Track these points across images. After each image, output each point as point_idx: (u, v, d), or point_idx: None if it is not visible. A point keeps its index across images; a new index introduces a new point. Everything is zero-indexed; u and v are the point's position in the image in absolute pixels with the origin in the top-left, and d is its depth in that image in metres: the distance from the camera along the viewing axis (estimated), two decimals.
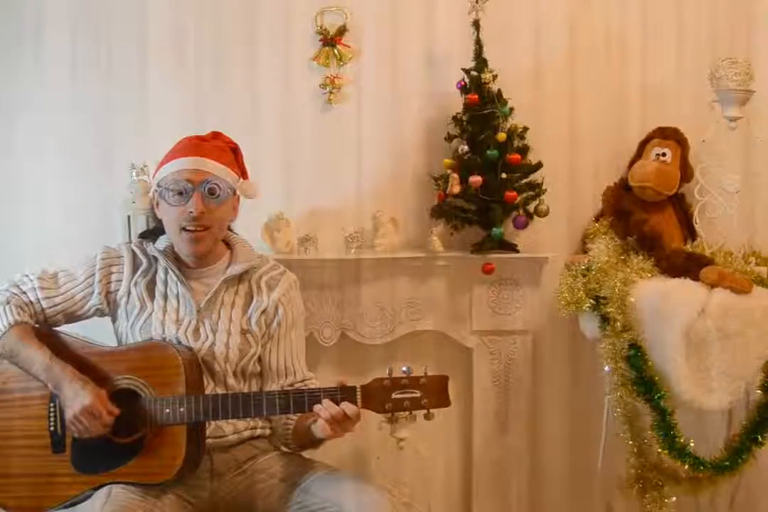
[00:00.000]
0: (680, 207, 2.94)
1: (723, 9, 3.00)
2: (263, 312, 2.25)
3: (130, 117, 2.82)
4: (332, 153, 2.88)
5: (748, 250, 2.85)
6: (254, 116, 2.83)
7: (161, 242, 2.27)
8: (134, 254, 2.27)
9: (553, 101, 2.95)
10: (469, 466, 2.94)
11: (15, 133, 2.83)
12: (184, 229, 2.17)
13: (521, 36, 2.92)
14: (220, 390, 2.17)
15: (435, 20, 2.89)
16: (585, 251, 2.86)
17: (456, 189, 2.76)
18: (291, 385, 2.25)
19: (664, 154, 2.86)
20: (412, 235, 2.90)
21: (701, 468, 2.62)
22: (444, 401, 2.01)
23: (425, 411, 2.00)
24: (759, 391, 2.67)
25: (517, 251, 2.83)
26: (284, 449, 2.28)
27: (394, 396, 1.98)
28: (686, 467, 2.61)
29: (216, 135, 2.27)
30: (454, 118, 2.83)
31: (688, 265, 2.67)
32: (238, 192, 2.24)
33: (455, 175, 2.76)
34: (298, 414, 2.16)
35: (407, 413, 2.00)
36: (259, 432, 2.25)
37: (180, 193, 2.16)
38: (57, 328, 2.26)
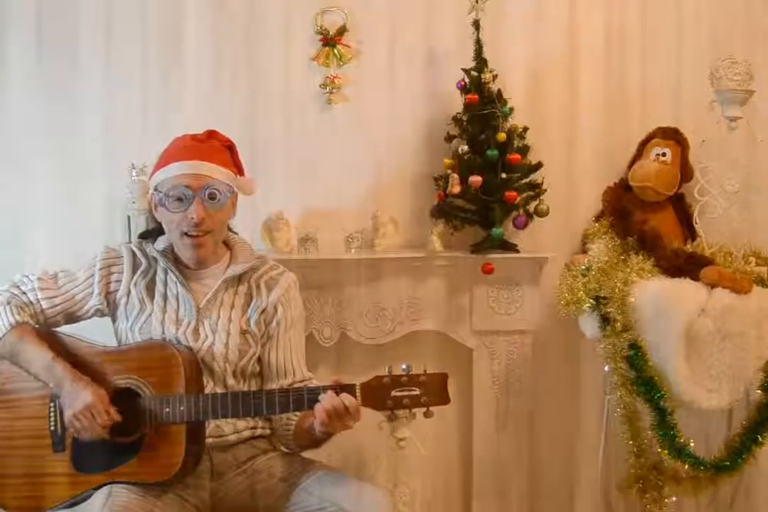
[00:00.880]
0: (680, 207, 2.94)
1: (723, 9, 3.00)
2: (262, 312, 2.25)
3: (130, 117, 2.82)
4: (332, 153, 2.88)
5: (748, 250, 2.85)
6: (254, 116, 2.83)
7: (160, 243, 2.27)
8: (134, 254, 2.27)
9: (553, 101, 2.95)
10: (469, 466, 2.94)
11: (15, 133, 2.83)
12: (185, 234, 2.17)
13: (521, 36, 2.93)
14: (219, 391, 2.17)
15: (435, 20, 2.89)
16: (585, 251, 2.85)
17: (456, 189, 2.76)
18: (290, 385, 2.24)
19: (664, 154, 2.86)
20: (412, 235, 2.90)
21: (701, 468, 2.62)
22: (444, 398, 2.01)
23: (425, 409, 2.00)
24: (759, 391, 2.67)
25: (517, 251, 2.83)
26: (284, 449, 2.28)
27: (393, 393, 1.98)
28: (686, 467, 2.62)
29: (210, 134, 2.25)
30: (454, 118, 2.83)
31: (688, 265, 2.67)
32: (235, 190, 2.24)
33: (455, 175, 2.76)
34: (298, 414, 2.16)
35: (407, 410, 2.00)
36: (259, 432, 2.25)
37: (180, 199, 2.15)
38: (57, 329, 2.25)
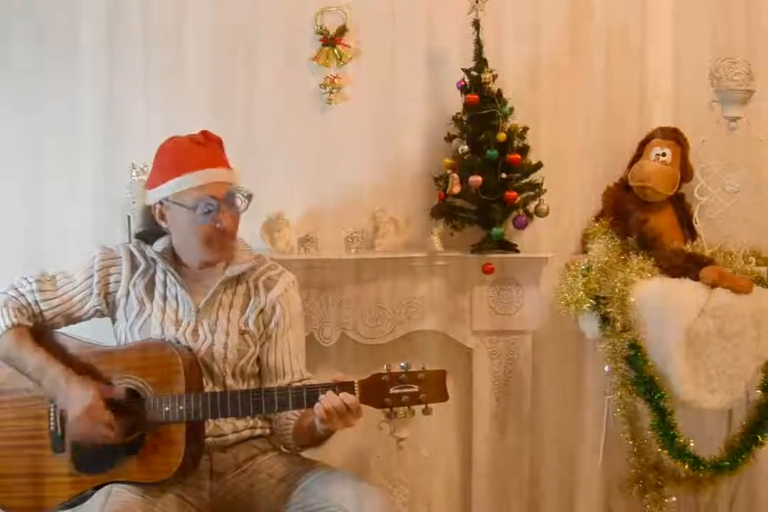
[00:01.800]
0: (680, 207, 2.94)
1: (723, 9, 3.00)
2: (261, 312, 2.25)
3: (130, 117, 2.82)
4: (332, 153, 2.88)
5: (748, 250, 2.85)
6: (254, 116, 2.83)
7: (159, 244, 2.26)
8: (132, 255, 2.27)
9: (553, 101, 2.95)
10: (469, 466, 2.94)
11: (15, 133, 2.83)
12: (212, 241, 2.16)
13: (521, 36, 2.93)
14: (218, 391, 2.17)
15: (435, 20, 2.89)
16: (585, 251, 2.85)
17: (456, 189, 2.76)
18: (289, 385, 2.24)
19: (664, 154, 2.86)
20: (412, 235, 2.90)
21: (701, 468, 2.62)
22: (442, 395, 2.01)
23: (424, 406, 2.00)
24: (759, 391, 2.67)
25: (517, 251, 2.83)
26: (284, 449, 2.28)
27: (392, 391, 1.98)
28: (686, 467, 2.62)
29: (206, 135, 2.21)
30: (454, 118, 2.83)
31: (688, 265, 2.67)
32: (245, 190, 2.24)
33: (455, 175, 2.76)
34: (297, 414, 2.16)
35: (406, 408, 2.00)
36: (258, 431, 2.25)
37: (209, 211, 2.15)
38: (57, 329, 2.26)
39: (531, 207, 2.83)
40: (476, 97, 2.76)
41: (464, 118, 2.81)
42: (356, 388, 2.00)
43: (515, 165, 2.78)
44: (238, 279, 2.26)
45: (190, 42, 2.84)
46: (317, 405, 1.99)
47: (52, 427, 2.14)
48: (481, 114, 2.77)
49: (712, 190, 2.81)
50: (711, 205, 2.82)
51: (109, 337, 2.27)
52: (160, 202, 2.19)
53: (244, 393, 2.08)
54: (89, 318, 2.28)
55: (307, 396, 2.02)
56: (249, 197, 2.21)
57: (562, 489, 3.00)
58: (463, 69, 2.81)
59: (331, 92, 2.88)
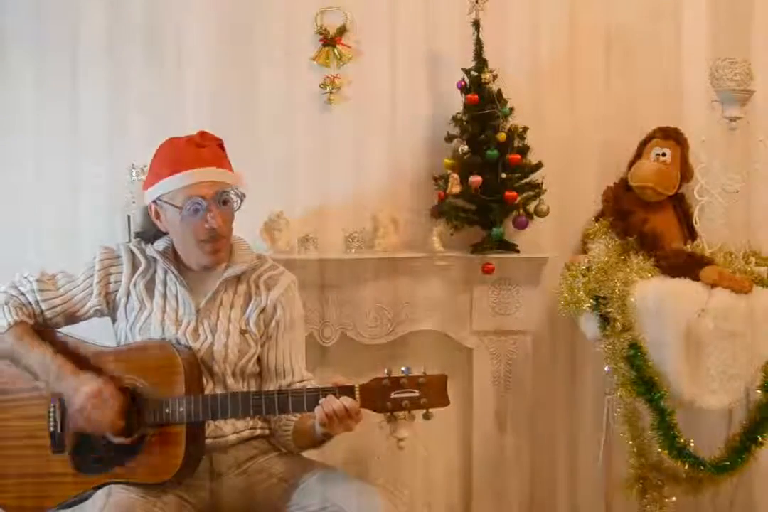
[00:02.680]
0: (680, 207, 2.94)
1: (723, 9, 3.00)
2: (262, 312, 2.24)
3: (130, 117, 2.82)
4: (332, 153, 2.88)
5: (748, 250, 2.85)
6: (254, 116, 2.83)
7: (160, 243, 2.26)
8: (133, 254, 2.27)
9: (553, 101, 2.95)
10: (469, 466, 2.94)
11: (15, 133, 2.83)
12: (203, 242, 2.16)
13: (521, 36, 2.92)
14: (219, 391, 2.17)
15: (435, 20, 2.89)
16: (585, 251, 2.86)
17: (456, 189, 2.76)
18: (289, 386, 2.24)
19: (664, 154, 2.86)
20: (412, 235, 2.90)
21: (701, 468, 2.62)
22: (443, 400, 2.01)
23: (424, 411, 2.00)
24: (759, 391, 2.67)
25: (517, 251, 2.83)
26: (284, 450, 2.28)
27: (393, 395, 1.98)
28: (686, 467, 2.61)
29: (204, 135, 2.21)
30: (454, 118, 2.83)
31: (688, 265, 2.67)
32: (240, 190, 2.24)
33: (455, 175, 2.76)
34: (298, 415, 2.16)
35: (406, 412, 2.00)
36: (258, 432, 2.25)
37: (196, 210, 2.15)
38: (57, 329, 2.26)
39: (531, 207, 2.83)
40: (476, 97, 2.76)
41: (464, 118, 2.81)
42: (357, 392, 2.00)
43: (515, 165, 2.78)
44: (239, 279, 2.26)
45: (190, 42, 2.83)
46: (317, 408, 1.99)
47: (52, 427, 2.14)
48: (481, 114, 2.77)
49: (712, 190, 2.81)
50: (711, 205, 2.82)
51: (109, 337, 2.27)
52: (155, 202, 2.20)
53: (244, 396, 2.08)
54: (89, 317, 2.28)
55: (308, 399, 2.02)
56: (241, 197, 2.20)
57: (562, 489, 3.00)
58: (463, 69, 2.81)
59: (331, 92, 2.88)
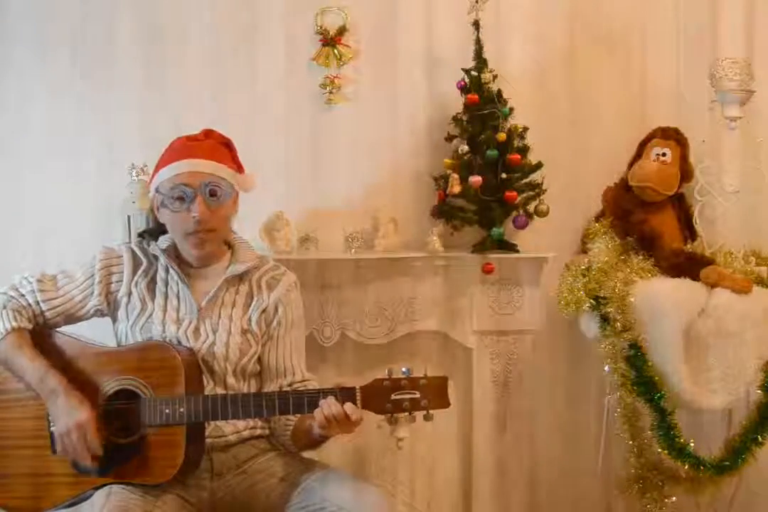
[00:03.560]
0: (680, 207, 2.94)
1: (723, 9, 3.00)
2: (263, 311, 2.24)
3: (130, 117, 2.82)
4: (332, 153, 2.88)
5: (748, 250, 2.85)
6: (254, 116, 2.83)
7: (163, 241, 2.26)
8: (134, 254, 2.27)
9: (553, 101, 2.95)
10: (469, 466, 2.94)
11: (15, 133, 2.83)
12: (189, 233, 2.17)
13: (521, 36, 2.93)
14: (219, 390, 2.17)
15: (435, 20, 2.89)
16: (585, 251, 2.86)
17: (456, 189, 2.76)
18: (290, 385, 2.24)
19: (664, 154, 2.86)
20: (412, 235, 2.90)
21: (701, 468, 2.62)
22: (444, 402, 2.00)
23: (425, 412, 1.99)
24: (759, 391, 2.67)
25: (517, 251, 2.83)
26: (284, 450, 2.28)
27: (393, 397, 1.98)
28: (686, 467, 2.62)
29: (208, 133, 2.25)
30: (454, 118, 2.84)
31: (688, 265, 2.67)
32: (236, 187, 2.23)
33: (455, 175, 2.76)
34: (298, 415, 2.16)
35: (407, 414, 2.00)
36: (258, 432, 2.25)
37: (181, 199, 2.15)
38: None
39: (531, 207, 2.83)
40: (476, 97, 2.76)
41: (464, 118, 2.81)
42: (358, 394, 2.00)
43: (515, 165, 2.78)
44: (240, 279, 2.26)
45: (190, 42, 2.83)
46: (316, 411, 1.99)
47: (52, 428, 2.13)
48: (481, 114, 2.77)
49: (712, 190, 2.81)
50: (711, 205, 2.82)
51: (110, 337, 2.27)
52: (155, 195, 2.21)
53: (244, 397, 2.08)
54: (90, 317, 2.27)
55: (308, 401, 2.01)
56: (230, 188, 2.19)
57: (562, 489, 3.00)
58: (463, 69, 2.81)
59: (331, 92, 2.88)
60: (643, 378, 2.60)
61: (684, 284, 2.63)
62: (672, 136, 2.89)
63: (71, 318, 2.25)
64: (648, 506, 2.69)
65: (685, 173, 2.89)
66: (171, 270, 2.23)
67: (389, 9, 2.89)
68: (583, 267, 2.70)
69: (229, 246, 2.31)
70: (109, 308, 2.25)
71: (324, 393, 2.01)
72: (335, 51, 2.89)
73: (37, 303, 2.21)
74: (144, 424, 2.07)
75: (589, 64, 2.97)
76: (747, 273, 2.71)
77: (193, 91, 2.83)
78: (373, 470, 2.90)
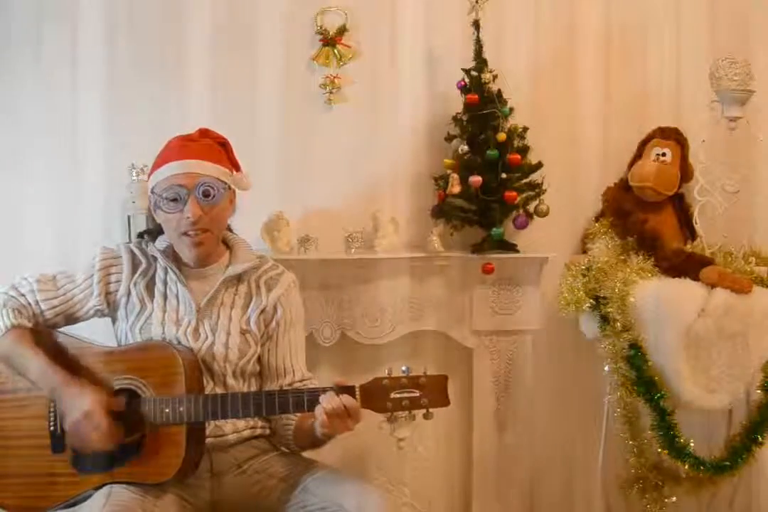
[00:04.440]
0: (680, 207, 2.94)
1: (723, 9, 3.00)
2: (262, 311, 2.24)
3: (130, 117, 2.82)
4: (332, 153, 2.88)
5: (748, 250, 2.86)
6: (254, 116, 2.83)
7: (161, 242, 2.27)
8: (133, 254, 2.26)
9: (553, 101, 2.95)
10: (469, 466, 2.94)
11: (15, 133, 2.83)
12: (184, 234, 2.17)
13: (521, 36, 2.93)
14: (219, 390, 2.17)
15: (435, 20, 2.89)
16: (585, 251, 2.86)
17: (456, 189, 2.76)
18: (290, 385, 2.24)
19: (664, 154, 2.86)
20: (412, 235, 2.90)
21: (701, 468, 2.63)
22: (443, 401, 2.00)
23: (424, 411, 1.99)
24: (759, 391, 2.67)
25: (517, 251, 2.83)
26: (284, 450, 2.28)
27: (393, 395, 1.98)
28: (686, 467, 2.62)
29: (203, 132, 2.24)
30: (454, 118, 2.84)
31: (688, 265, 2.68)
32: (232, 186, 2.23)
33: (455, 175, 2.76)
34: (298, 415, 2.16)
35: (406, 412, 2.00)
36: (259, 431, 2.25)
37: (175, 200, 2.14)
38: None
39: (531, 207, 2.83)
40: (476, 97, 2.76)
41: (464, 118, 2.81)
42: (357, 393, 2.00)
43: (515, 165, 2.78)
44: (239, 279, 2.26)
45: (190, 41, 2.83)
46: (317, 408, 1.99)
47: (52, 427, 2.13)
48: (481, 114, 2.77)
49: (712, 190, 2.81)
50: (711, 205, 2.82)
51: (109, 337, 2.27)
52: (150, 196, 2.21)
53: (244, 396, 2.08)
54: (89, 318, 2.27)
55: (308, 399, 2.02)
56: (224, 188, 2.18)
57: (562, 489, 3.00)
58: (463, 69, 2.81)
59: (331, 92, 2.88)
60: (643, 378, 2.60)
61: (684, 284, 2.63)
62: (672, 136, 2.89)
63: (71, 318, 2.25)
64: (648, 506, 2.69)
65: (685, 173, 2.89)
66: (170, 271, 2.23)
67: (389, 9, 2.89)
68: (583, 267, 2.70)
69: (228, 246, 2.31)
70: (109, 308, 2.25)
71: (324, 391, 2.01)
72: (335, 51, 2.89)
73: (37, 302, 2.21)
74: (144, 424, 2.07)
75: (589, 63, 2.96)
76: (747, 273, 2.72)
77: (194, 91, 2.83)
78: (373, 470, 2.90)
